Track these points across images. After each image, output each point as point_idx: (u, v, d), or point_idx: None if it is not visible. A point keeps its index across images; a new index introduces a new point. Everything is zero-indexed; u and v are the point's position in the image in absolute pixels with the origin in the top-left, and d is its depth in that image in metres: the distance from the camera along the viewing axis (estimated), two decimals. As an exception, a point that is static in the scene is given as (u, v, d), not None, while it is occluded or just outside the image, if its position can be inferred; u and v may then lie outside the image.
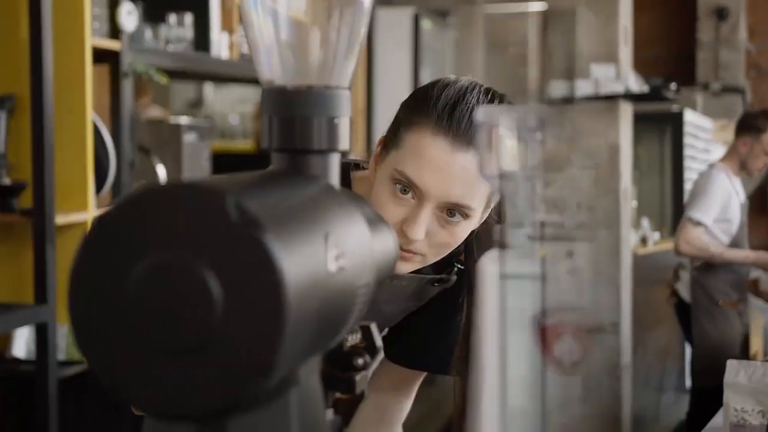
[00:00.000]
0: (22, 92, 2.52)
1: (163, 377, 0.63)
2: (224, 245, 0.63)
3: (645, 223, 6.59)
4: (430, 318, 1.49)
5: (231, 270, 0.63)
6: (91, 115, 2.60)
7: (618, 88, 5.57)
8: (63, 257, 2.50)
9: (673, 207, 7.31)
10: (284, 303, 0.63)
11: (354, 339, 0.88)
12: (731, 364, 2.02)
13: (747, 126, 4.47)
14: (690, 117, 7.30)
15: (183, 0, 3.03)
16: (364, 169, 1.45)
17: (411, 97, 1.32)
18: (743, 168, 4.49)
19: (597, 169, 4.51)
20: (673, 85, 6.44)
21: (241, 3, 0.86)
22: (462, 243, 1.33)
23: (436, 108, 1.26)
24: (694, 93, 6.56)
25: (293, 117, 0.83)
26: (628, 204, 5.77)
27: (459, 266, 1.42)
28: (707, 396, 4.36)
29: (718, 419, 2.18)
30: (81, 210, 2.60)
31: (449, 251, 1.32)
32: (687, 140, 7.27)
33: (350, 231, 0.78)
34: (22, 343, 2.66)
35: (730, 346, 4.51)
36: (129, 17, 2.73)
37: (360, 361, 0.84)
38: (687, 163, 7.30)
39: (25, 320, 2.44)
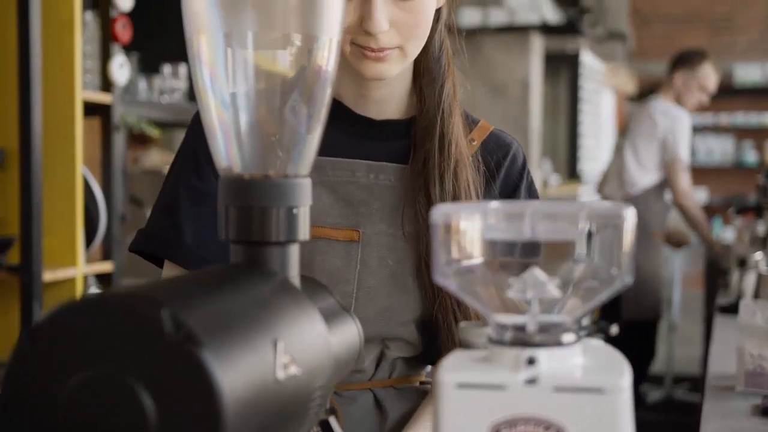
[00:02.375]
0: (11, 146, 2.50)
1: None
2: (159, 360, 0.60)
3: (547, 164, 6.50)
4: None
5: (166, 386, 0.60)
6: (81, 169, 2.58)
7: (533, 18, 5.51)
8: (49, 315, 2.46)
9: (568, 149, 7.28)
10: (222, 421, 0.60)
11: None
12: (745, 304, 1.84)
13: (683, 61, 4.59)
14: (585, 59, 7.26)
15: (178, 51, 3.02)
16: None
17: None
18: (679, 103, 4.59)
19: (506, 105, 4.48)
20: (589, 17, 6.37)
21: (196, 88, 0.83)
22: None
23: None
24: (577, 37, 6.52)
25: (251, 207, 0.80)
26: (537, 144, 5.74)
27: None
28: (634, 329, 4.35)
29: (728, 368, 1.95)
30: (70, 266, 2.57)
31: (425, 34, 1.21)
32: (581, 82, 7.26)
33: (304, 332, 0.74)
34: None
35: (656, 280, 4.52)
36: (121, 70, 2.72)
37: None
38: (579, 105, 7.31)
39: (11, 377, 2.38)
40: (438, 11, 1.26)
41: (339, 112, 1.29)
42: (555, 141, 7.44)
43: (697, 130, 10.31)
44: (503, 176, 1.31)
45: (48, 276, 2.48)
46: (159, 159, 3.69)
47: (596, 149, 8.17)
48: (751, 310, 1.89)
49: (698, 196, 10.27)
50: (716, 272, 4.86)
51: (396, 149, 1.28)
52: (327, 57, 0.82)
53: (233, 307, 0.68)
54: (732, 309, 2.91)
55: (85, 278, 2.71)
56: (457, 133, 1.26)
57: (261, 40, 0.79)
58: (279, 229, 0.80)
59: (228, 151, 0.82)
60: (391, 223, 1.24)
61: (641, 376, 4.73)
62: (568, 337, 0.69)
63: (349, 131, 1.28)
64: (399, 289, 1.24)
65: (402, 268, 1.24)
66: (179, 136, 3.56)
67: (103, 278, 2.82)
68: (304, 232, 0.82)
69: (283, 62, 0.80)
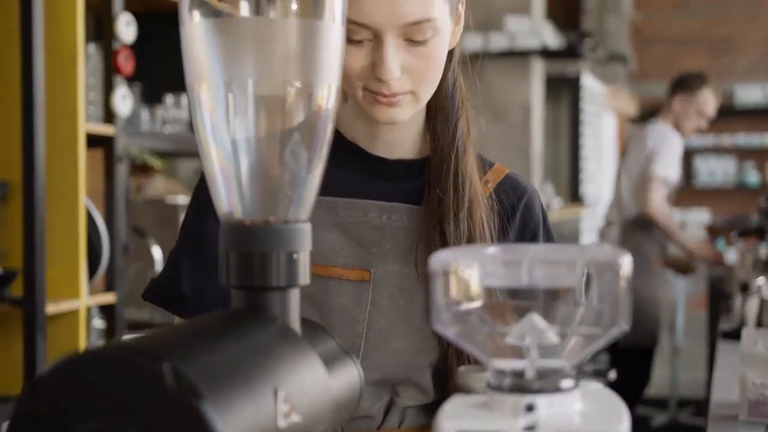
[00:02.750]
0: (14, 179, 2.51)
1: None
2: (160, 413, 0.61)
3: (549, 188, 6.50)
4: None
5: (168, 439, 0.61)
6: (84, 201, 2.59)
7: (533, 43, 5.52)
8: (53, 348, 2.47)
9: (570, 172, 7.29)
10: (224, 473, 0.60)
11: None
12: (747, 333, 1.83)
13: (682, 85, 4.57)
14: (586, 81, 7.27)
15: (180, 81, 3.04)
16: None
17: None
18: (677, 128, 4.57)
19: (507, 129, 4.48)
20: (588, 41, 6.39)
21: (196, 134, 0.84)
22: None
23: None
24: (578, 61, 6.55)
25: (251, 252, 0.81)
26: (539, 168, 5.75)
27: None
28: (629, 356, 4.34)
29: (731, 395, 1.93)
30: (73, 298, 2.58)
31: (437, 77, 1.20)
32: (582, 105, 7.27)
33: (304, 379, 0.75)
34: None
35: (653, 306, 4.51)
36: (123, 102, 2.73)
37: None
38: (581, 128, 7.33)
39: (14, 411, 2.38)
40: (451, 51, 1.25)
41: (352, 152, 1.29)
42: (557, 164, 7.46)
43: (699, 151, 10.33)
44: (519, 221, 1.30)
45: (51, 308, 2.48)
46: (163, 187, 3.70)
47: (598, 172, 8.18)
48: (753, 339, 1.90)
49: (700, 217, 10.28)
50: (719, 295, 4.85)
51: (409, 189, 1.27)
52: (326, 102, 0.83)
53: (234, 357, 0.68)
54: (735, 335, 2.91)
55: (89, 310, 2.72)
56: (471, 172, 1.25)
57: (261, 88, 0.80)
58: (279, 274, 0.80)
59: (229, 196, 0.83)
60: (404, 264, 1.23)
61: (636, 400, 4.72)
62: (566, 382, 0.69)
63: (362, 171, 1.28)
64: (410, 331, 1.22)
65: (414, 309, 1.22)
66: (182, 165, 3.57)
67: (106, 309, 2.82)
68: (304, 276, 0.82)
69: (283, 108, 0.81)
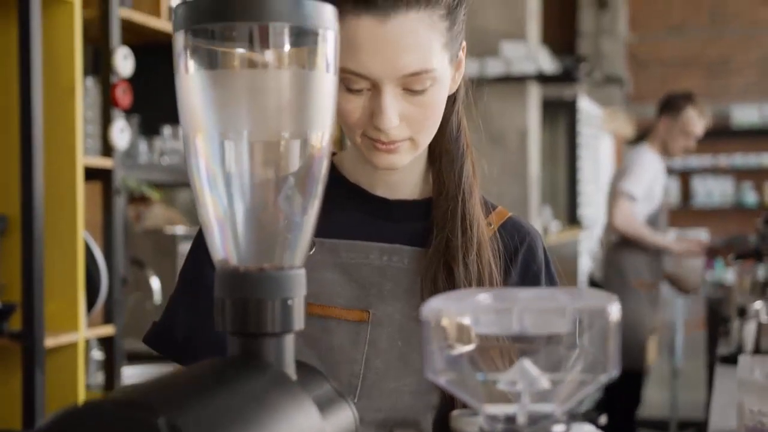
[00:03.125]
0: (13, 213, 2.52)
1: None
2: (157, 466, 0.62)
3: (546, 211, 6.51)
4: None
5: (164, 492, 0.62)
6: (82, 235, 2.60)
7: (529, 68, 5.54)
8: (52, 381, 2.47)
9: (567, 195, 7.29)
10: None
11: None
12: (744, 360, 1.83)
13: (667, 106, 4.58)
14: (583, 104, 7.30)
15: (177, 113, 3.06)
16: None
17: None
18: (665, 149, 4.57)
19: (504, 154, 4.50)
20: (584, 66, 6.41)
21: (192, 182, 0.85)
22: None
23: None
24: (574, 84, 6.59)
25: (247, 300, 0.82)
26: (536, 192, 5.76)
27: None
28: (619, 380, 4.30)
29: (730, 421, 1.94)
30: (72, 331, 2.58)
31: (436, 124, 1.20)
32: (579, 128, 7.29)
33: (299, 426, 0.76)
34: (12, 466, 2.62)
35: (638, 330, 4.48)
36: (121, 135, 2.75)
37: None
38: (578, 151, 7.35)
39: (13, 445, 2.40)
40: (453, 94, 1.25)
41: (355, 193, 1.30)
42: (554, 187, 7.48)
43: (697, 171, 10.36)
44: (521, 264, 1.30)
45: (50, 342, 2.49)
46: (162, 215, 3.71)
47: (596, 194, 8.20)
48: (750, 366, 1.90)
49: (698, 237, 10.25)
50: (717, 317, 4.85)
51: (411, 231, 1.27)
52: (320, 149, 0.84)
53: (228, 407, 0.69)
54: (733, 359, 2.91)
55: (87, 342, 2.72)
56: (478, 214, 1.26)
57: (256, 138, 0.82)
58: (274, 320, 0.81)
59: (224, 243, 0.84)
60: (404, 305, 1.23)
61: (630, 423, 4.71)
62: (558, 427, 0.70)
63: (364, 212, 1.29)
64: (409, 372, 1.22)
65: (413, 351, 1.22)
66: (180, 195, 3.59)
67: (104, 341, 2.83)
68: (299, 321, 0.83)
69: (278, 156, 0.83)
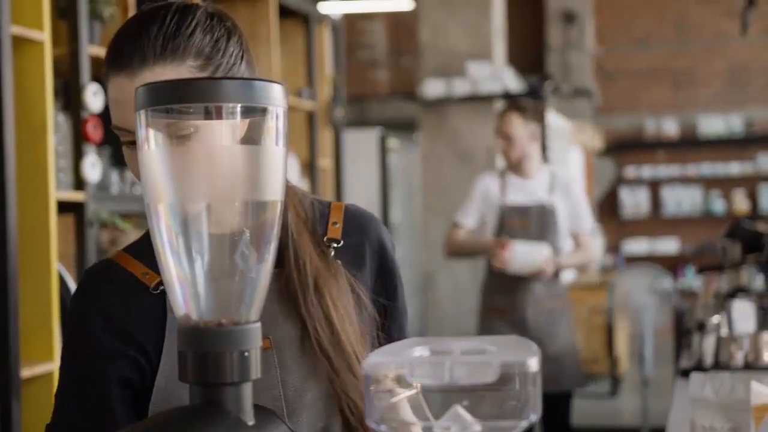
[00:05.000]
0: (-12, 247, 2.58)
1: None
2: None
3: None
4: None
5: None
6: (56, 266, 2.66)
7: (495, 87, 5.58)
8: (28, 411, 2.53)
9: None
10: None
11: None
12: (696, 377, 1.89)
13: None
14: (551, 119, 7.41)
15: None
16: None
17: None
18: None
19: (473, 172, 4.50)
20: (549, 84, 6.47)
21: (155, 246, 0.92)
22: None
23: (111, 46, 1.23)
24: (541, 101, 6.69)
25: (207, 353, 0.89)
26: None
27: None
28: (551, 401, 4.25)
29: None
30: (47, 361, 2.64)
31: None
32: (548, 142, 7.39)
33: (256, 471, 0.83)
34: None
35: (576, 349, 4.42)
36: (93, 169, 2.82)
37: None
38: (548, 164, 7.45)
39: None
40: None
41: None
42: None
43: (666, 181, 10.51)
44: (374, 254, 1.36)
45: (26, 372, 2.54)
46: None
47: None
48: (702, 383, 1.97)
49: (669, 245, 10.44)
50: (683, 326, 4.92)
51: None
52: (272, 214, 0.92)
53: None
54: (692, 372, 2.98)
55: (63, 371, 2.78)
56: (309, 251, 1.29)
57: (213, 206, 0.90)
58: (233, 371, 0.89)
59: (185, 301, 0.92)
60: (294, 322, 1.27)
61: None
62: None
63: None
64: (318, 381, 1.27)
65: (317, 360, 1.27)
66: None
67: (80, 369, 2.88)
68: (256, 371, 0.91)
69: (233, 222, 0.91)
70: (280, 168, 0.92)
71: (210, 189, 0.89)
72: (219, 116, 0.88)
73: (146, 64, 1.19)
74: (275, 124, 0.90)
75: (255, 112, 0.90)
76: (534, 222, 4.16)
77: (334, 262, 1.31)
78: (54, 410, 1.29)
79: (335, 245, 1.33)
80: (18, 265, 2.55)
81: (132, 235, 3.54)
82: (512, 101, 4.41)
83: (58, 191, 2.71)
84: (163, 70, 1.20)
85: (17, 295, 2.53)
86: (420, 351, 0.84)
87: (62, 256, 2.77)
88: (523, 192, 4.18)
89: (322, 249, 1.31)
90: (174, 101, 0.89)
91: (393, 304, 1.38)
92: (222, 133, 0.89)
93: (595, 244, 4.33)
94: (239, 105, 0.88)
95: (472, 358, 0.81)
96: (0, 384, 2.48)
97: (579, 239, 4.23)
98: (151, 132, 0.90)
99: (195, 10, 1.24)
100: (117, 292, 1.29)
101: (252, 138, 0.90)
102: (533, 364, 0.79)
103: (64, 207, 2.78)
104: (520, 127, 4.09)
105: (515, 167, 4.19)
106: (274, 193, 0.92)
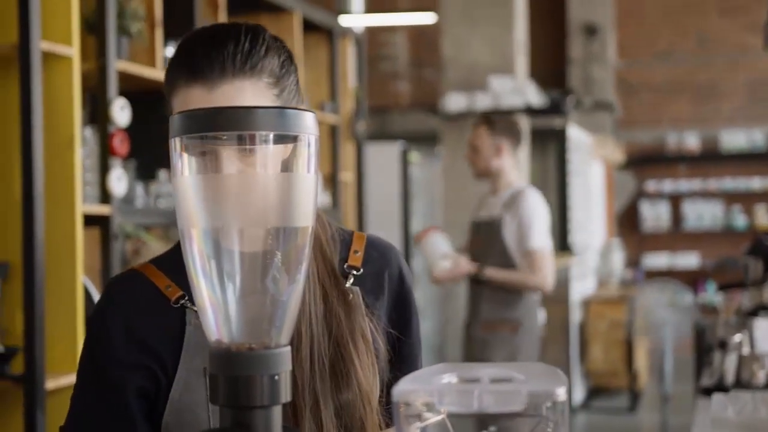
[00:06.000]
0: (15, 259, 2.61)
1: None
2: None
3: None
4: None
5: None
6: (81, 280, 2.69)
7: (517, 102, 5.58)
8: (53, 423, 2.55)
9: (558, 222, 7.39)
10: None
11: None
12: (718, 399, 1.92)
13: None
14: (572, 133, 7.40)
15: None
16: None
17: (165, 71, 1.29)
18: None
19: None
20: (571, 98, 6.48)
21: (188, 271, 0.94)
22: None
23: (183, 58, 1.24)
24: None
25: (237, 376, 0.91)
26: None
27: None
28: None
29: None
30: (72, 373, 2.66)
31: None
32: (569, 156, 7.39)
33: (285, 494, 0.85)
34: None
35: None
36: (119, 183, 2.85)
37: None
38: (568, 178, 7.45)
39: (15, 489, 2.47)
40: None
41: None
42: (545, 215, 7.56)
43: (687, 195, 10.47)
44: (392, 283, 1.38)
45: (51, 384, 2.57)
46: (159, 251, 3.80)
47: (587, 221, 8.30)
48: (723, 404, 1.98)
49: (690, 260, 10.40)
50: (704, 343, 4.89)
51: None
52: (302, 240, 0.94)
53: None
54: (714, 391, 2.97)
55: (87, 383, 2.81)
56: (323, 277, 1.31)
57: (245, 232, 0.91)
58: (263, 394, 0.91)
59: (217, 326, 0.93)
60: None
61: None
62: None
63: None
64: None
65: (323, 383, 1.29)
66: (176, 234, 3.67)
67: (103, 381, 2.91)
68: (285, 394, 0.93)
69: (265, 248, 0.92)
70: (311, 194, 0.93)
71: (242, 215, 0.91)
72: (252, 144, 0.90)
73: (226, 77, 1.22)
74: (307, 151, 0.92)
75: (287, 140, 0.91)
76: (482, 238, 4.10)
77: (351, 289, 1.33)
78: (70, 414, 1.29)
79: (355, 273, 1.35)
80: (45, 277, 2.57)
81: (153, 246, 3.57)
82: (484, 115, 4.37)
83: (84, 204, 2.74)
84: (242, 83, 1.23)
85: (43, 307, 2.56)
86: (448, 378, 0.85)
87: (87, 269, 2.80)
88: (487, 208, 4.17)
89: (338, 276, 1.33)
90: (208, 129, 0.91)
91: (407, 334, 1.39)
92: (255, 161, 0.91)
93: (548, 267, 3.98)
94: (272, 133, 0.90)
95: (501, 387, 0.82)
96: (25, 395, 2.51)
97: (529, 258, 3.98)
98: (185, 158, 0.92)
99: (263, 31, 1.28)
100: (139, 303, 1.30)
101: (284, 165, 0.92)
102: (561, 393, 0.80)
103: (89, 220, 2.81)
104: (485, 139, 4.09)
105: (489, 181, 4.19)
106: (305, 219, 0.93)
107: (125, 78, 3.01)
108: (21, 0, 2.53)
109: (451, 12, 5.73)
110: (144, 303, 1.30)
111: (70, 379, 2.66)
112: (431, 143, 7.06)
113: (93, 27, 2.91)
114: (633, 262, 10.28)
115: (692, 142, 10.47)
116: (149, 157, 3.18)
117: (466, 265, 3.99)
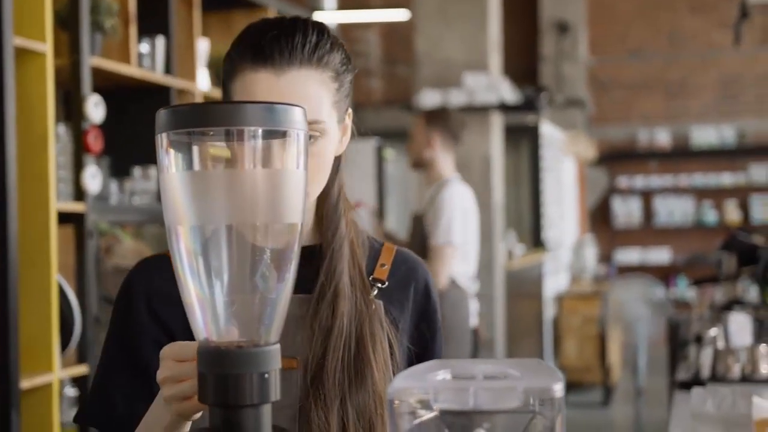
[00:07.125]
0: (-12, 258, 2.57)
1: None
2: None
3: (511, 235, 6.62)
4: None
5: None
6: (55, 278, 2.66)
7: (491, 98, 5.60)
8: (28, 422, 2.52)
9: (531, 218, 7.45)
10: None
11: None
12: (697, 392, 1.92)
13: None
14: (545, 129, 7.46)
15: (148, 154, 3.13)
16: None
17: (226, 54, 1.29)
18: None
19: (469, 182, 4.50)
20: (544, 95, 6.52)
21: (175, 270, 0.92)
22: None
23: (250, 42, 1.24)
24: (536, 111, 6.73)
25: (227, 375, 0.89)
26: (500, 218, 5.85)
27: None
28: None
29: None
30: (46, 371, 2.64)
31: (324, 178, 1.28)
32: (542, 152, 7.45)
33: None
34: None
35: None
36: (93, 180, 2.82)
37: None
38: (541, 174, 7.51)
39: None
40: (338, 159, 1.33)
41: None
42: (518, 211, 7.60)
43: (658, 191, 10.54)
44: (417, 298, 1.39)
45: (25, 383, 2.54)
46: (132, 248, 3.76)
47: (559, 217, 8.34)
48: (703, 398, 1.98)
49: (661, 256, 10.48)
50: (677, 337, 4.91)
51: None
52: (294, 235, 0.93)
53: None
54: (690, 385, 2.98)
55: (61, 382, 2.78)
56: (342, 269, 1.30)
57: (233, 228, 0.90)
58: (252, 393, 0.90)
59: (205, 324, 0.92)
60: (307, 345, 1.28)
61: None
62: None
63: None
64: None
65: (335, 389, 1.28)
66: (149, 230, 3.64)
67: (78, 380, 2.88)
68: (275, 392, 0.91)
69: (253, 245, 0.91)
70: (300, 190, 0.92)
71: (230, 211, 0.89)
72: (240, 139, 0.89)
73: (294, 64, 1.23)
74: (296, 147, 0.91)
75: (276, 135, 0.90)
76: (413, 231, 4.11)
77: (375, 301, 1.33)
78: (93, 390, 1.30)
79: (380, 285, 1.35)
80: (18, 275, 2.54)
81: (128, 244, 3.54)
82: (426, 110, 4.45)
83: (58, 202, 2.71)
84: (309, 72, 1.24)
85: (17, 306, 2.52)
86: (442, 375, 0.84)
87: (62, 267, 2.77)
88: (422, 201, 4.22)
89: (365, 279, 1.33)
90: (196, 124, 0.89)
91: (430, 349, 1.39)
92: (243, 156, 0.90)
93: (443, 264, 3.84)
94: (260, 128, 0.89)
95: (496, 384, 0.81)
96: (0, 397, 2.47)
97: (429, 253, 3.88)
98: (172, 154, 0.90)
99: (328, 28, 1.30)
100: (164, 285, 1.28)
101: (273, 161, 0.90)
102: (557, 389, 0.79)
103: (63, 218, 2.78)
104: (419, 129, 4.14)
105: (422, 172, 4.21)
106: (294, 215, 0.92)
107: (99, 74, 2.97)
108: (-7, -5, 2.50)
109: (425, 9, 5.73)
110: (169, 285, 1.27)
111: (45, 378, 2.63)
112: (405, 140, 7.04)
113: (66, 23, 2.87)
114: (605, 258, 10.33)
115: (663, 138, 10.54)
116: (124, 153, 3.15)
117: None
